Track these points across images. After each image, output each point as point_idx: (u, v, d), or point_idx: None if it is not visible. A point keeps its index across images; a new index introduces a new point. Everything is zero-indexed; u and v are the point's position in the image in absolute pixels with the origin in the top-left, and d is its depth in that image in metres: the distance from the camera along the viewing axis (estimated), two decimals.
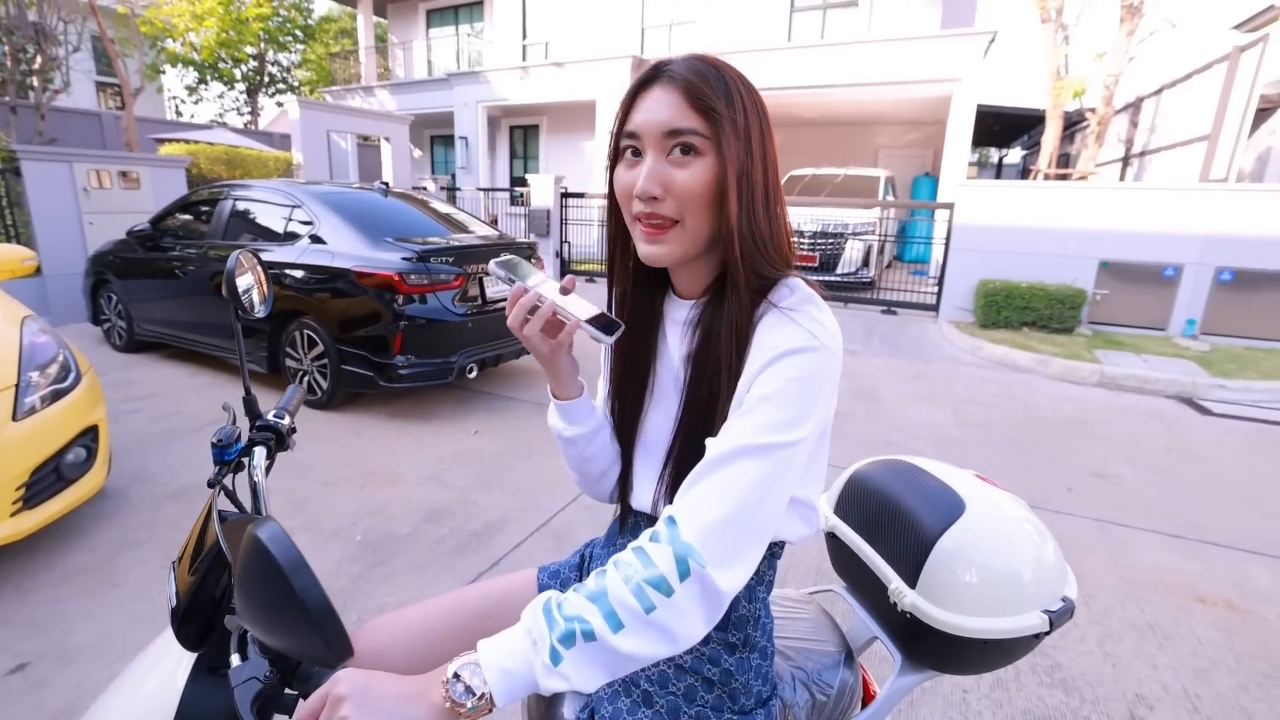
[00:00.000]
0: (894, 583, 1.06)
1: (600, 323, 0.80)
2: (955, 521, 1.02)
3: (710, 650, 0.88)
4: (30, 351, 2.60)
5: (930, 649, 1.05)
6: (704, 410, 0.80)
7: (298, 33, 22.62)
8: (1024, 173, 19.19)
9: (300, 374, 4.43)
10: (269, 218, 4.72)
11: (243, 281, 1.11)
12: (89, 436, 2.67)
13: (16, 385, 2.45)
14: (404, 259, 4.03)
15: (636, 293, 0.91)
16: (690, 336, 0.84)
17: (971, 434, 4.30)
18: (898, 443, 4.11)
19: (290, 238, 4.48)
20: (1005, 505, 1.08)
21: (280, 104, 22.58)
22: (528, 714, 1.08)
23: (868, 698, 1.12)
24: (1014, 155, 23.32)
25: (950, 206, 7.90)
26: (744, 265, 0.77)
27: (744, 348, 0.76)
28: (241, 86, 22.42)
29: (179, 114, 23.48)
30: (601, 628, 0.63)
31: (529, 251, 5.01)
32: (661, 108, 0.75)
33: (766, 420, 0.70)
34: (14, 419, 2.38)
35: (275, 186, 4.83)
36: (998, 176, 22.28)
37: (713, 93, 0.75)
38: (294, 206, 4.56)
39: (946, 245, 7.91)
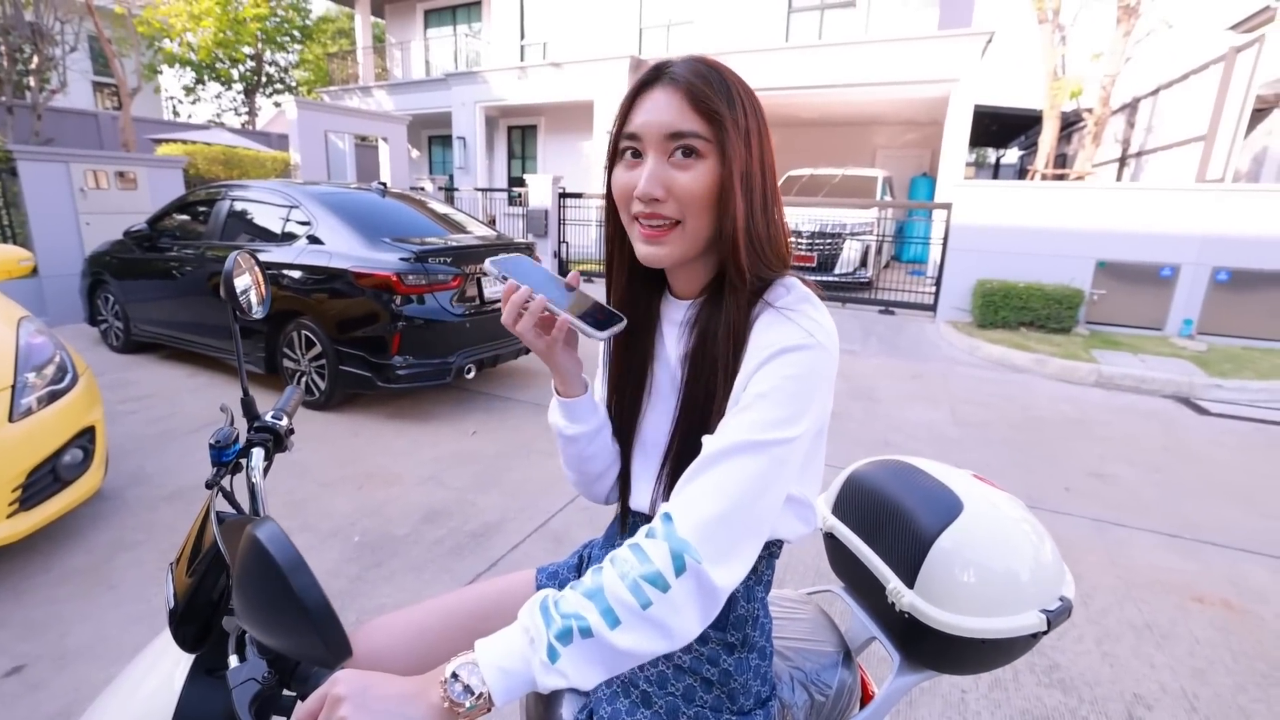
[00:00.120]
0: (892, 583, 1.06)
1: (595, 318, 0.79)
2: (953, 521, 1.02)
3: (709, 650, 0.88)
4: (27, 352, 2.59)
5: (928, 649, 1.05)
6: (701, 410, 0.80)
7: (295, 33, 22.59)
8: (1021, 173, 19.24)
9: (298, 375, 4.42)
10: (266, 218, 4.71)
11: (240, 282, 1.10)
12: (86, 438, 2.66)
13: (13, 386, 2.44)
14: (402, 259, 4.02)
15: (633, 293, 0.91)
16: (687, 336, 0.84)
17: (969, 434, 4.31)
18: (896, 443, 4.11)
19: (288, 238, 4.47)
20: (1003, 505, 1.08)
21: (278, 104, 22.53)
22: (526, 715, 1.08)
23: (866, 698, 1.12)
24: (1011, 155, 23.37)
25: (948, 207, 7.92)
26: (743, 266, 0.77)
27: (740, 348, 0.77)
28: (239, 87, 22.41)
29: (176, 114, 23.46)
30: (599, 624, 0.63)
31: (527, 252, 5.01)
32: (664, 109, 0.75)
33: (762, 417, 0.71)
34: (10, 420, 2.37)
35: (273, 187, 4.82)
36: (995, 177, 22.33)
37: (716, 96, 0.75)
38: (291, 207, 4.55)
39: (944, 245, 7.93)
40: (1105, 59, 10.08)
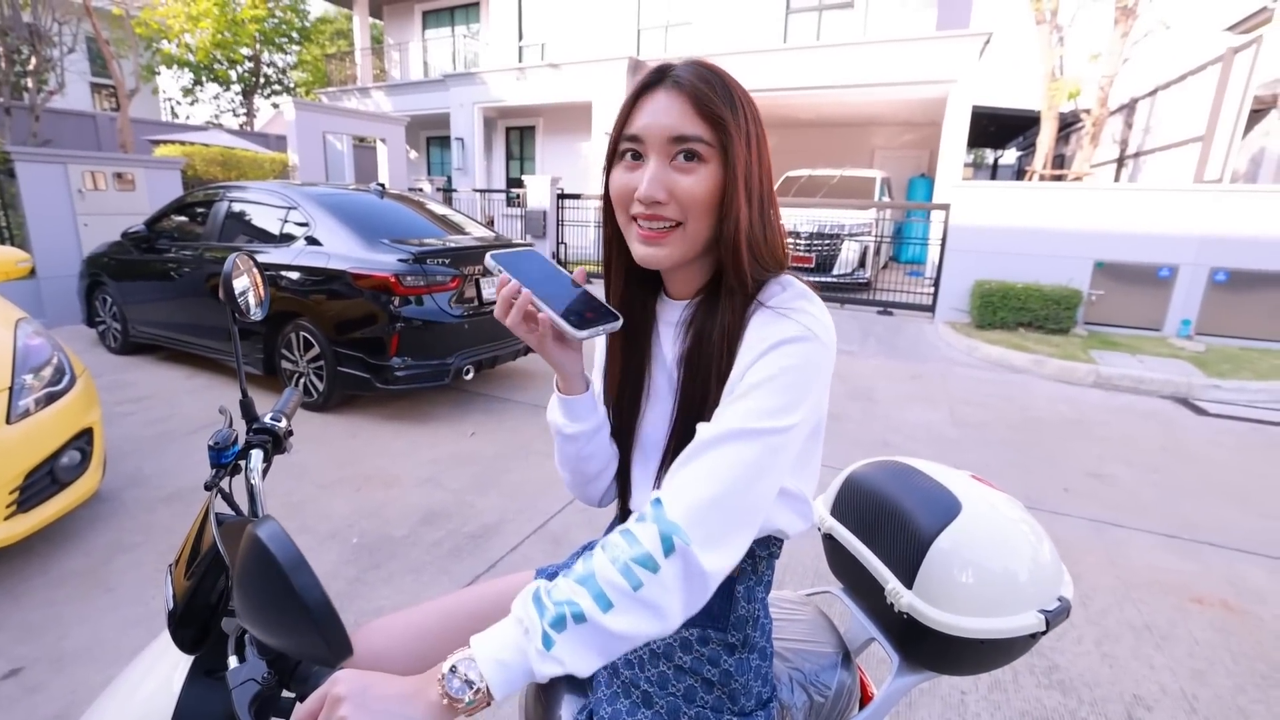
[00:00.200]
0: (891, 583, 1.06)
1: (582, 316, 0.79)
2: (951, 522, 1.02)
3: (710, 651, 0.88)
4: (24, 354, 2.59)
5: (927, 649, 1.05)
6: (698, 411, 0.80)
7: (293, 34, 22.57)
8: (1019, 174, 19.26)
9: (296, 376, 4.42)
10: (265, 219, 4.71)
11: (239, 284, 1.10)
12: (84, 439, 2.66)
13: (10, 388, 2.44)
14: (400, 260, 4.02)
15: (630, 294, 0.91)
16: (683, 337, 0.85)
17: (968, 435, 4.31)
18: (894, 443, 4.11)
19: (286, 239, 4.47)
20: (1001, 506, 1.08)
21: (276, 105, 22.51)
22: (525, 716, 1.08)
23: (865, 699, 1.12)
24: (1009, 156, 23.39)
25: (946, 207, 7.93)
26: (741, 268, 0.78)
27: (734, 349, 0.77)
28: (237, 88, 22.37)
29: (174, 115, 23.44)
30: (591, 609, 0.63)
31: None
32: (667, 113, 0.76)
33: (757, 406, 0.71)
34: (8, 422, 2.37)
35: (271, 188, 4.82)
36: (993, 177, 22.35)
37: (719, 100, 0.75)
38: (290, 208, 4.55)
39: (942, 246, 7.93)
40: (1103, 60, 10.10)
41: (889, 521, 1.11)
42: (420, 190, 11.52)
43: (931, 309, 8.07)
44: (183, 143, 10.71)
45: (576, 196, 10.34)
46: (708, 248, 0.81)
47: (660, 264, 0.80)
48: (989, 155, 24.25)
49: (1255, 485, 3.68)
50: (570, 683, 1.04)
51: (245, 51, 20.41)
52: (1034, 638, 0.99)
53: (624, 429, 0.94)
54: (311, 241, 4.29)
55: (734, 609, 0.88)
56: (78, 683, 1.97)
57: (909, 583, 1.04)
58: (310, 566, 0.64)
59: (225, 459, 1.01)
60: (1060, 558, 1.07)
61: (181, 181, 7.82)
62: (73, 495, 2.57)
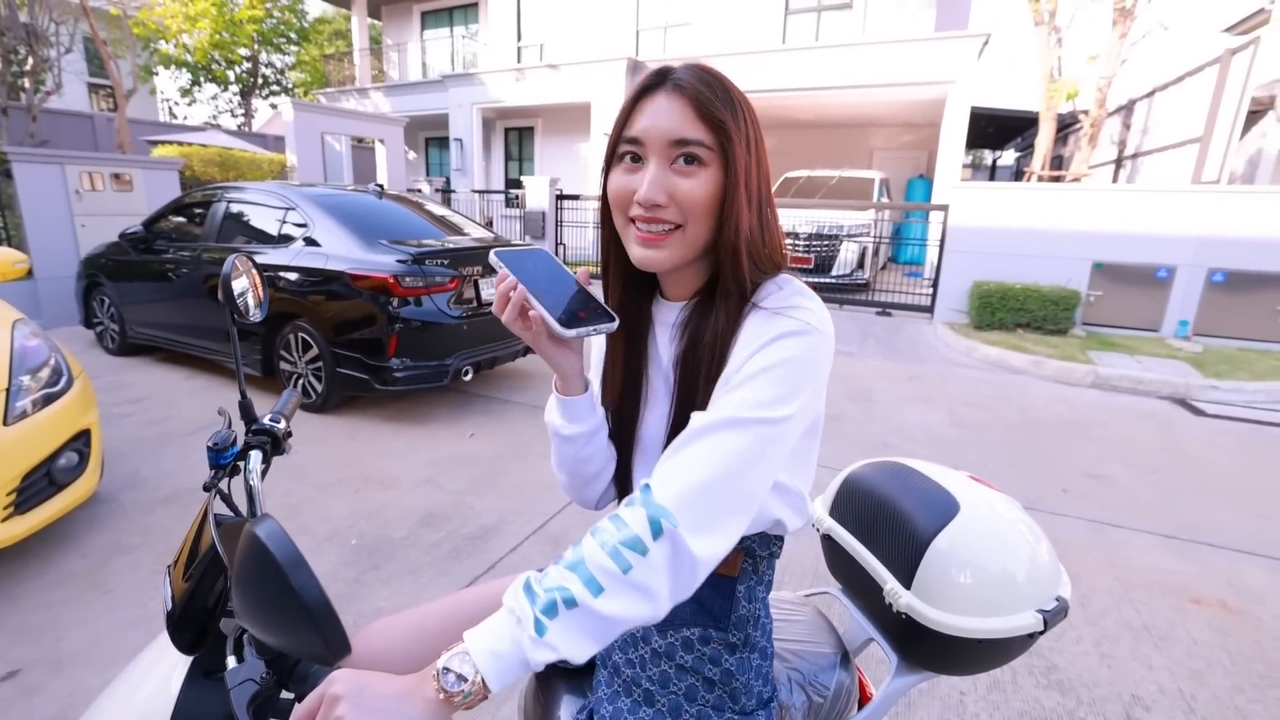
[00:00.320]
0: (889, 584, 1.06)
1: (575, 315, 0.78)
2: (949, 522, 1.03)
3: (711, 650, 0.88)
4: (21, 355, 2.58)
5: (926, 650, 1.05)
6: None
7: (292, 35, 22.57)
8: (1018, 175, 19.30)
9: (295, 377, 4.42)
10: (263, 220, 4.71)
11: (238, 285, 1.10)
12: (81, 441, 2.66)
13: (7, 389, 2.44)
14: (399, 261, 4.02)
15: (627, 296, 0.91)
16: (679, 339, 0.85)
17: (967, 435, 4.31)
18: (893, 444, 4.12)
19: (284, 240, 4.47)
20: (999, 506, 1.09)
21: (274, 106, 22.51)
22: (524, 717, 1.08)
23: (864, 699, 1.13)
24: (1008, 157, 23.44)
25: (945, 208, 7.94)
26: (738, 272, 0.78)
27: (724, 353, 0.77)
28: (235, 88, 22.36)
29: (172, 116, 23.44)
30: (582, 593, 0.63)
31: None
32: (668, 115, 0.76)
33: (752, 396, 0.71)
34: (5, 423, 2.37)
35: (269, 189, 4.82)
36: (991, 178, 22.39)
37: (721, 105, 0.75)
38: (288, 209, 4.55)
39: (941, 247, 7.94)
40: (1101, 61, 10.12)
41: (887, 522, 1.11)
42: (419, 191, 11.52)
43: (930, 310, 8.08)
44: (180, 143, 10.71)
45: (575, 197, 10.35)
46: (705, 250, 0.81)
47: (658, 266, 0.80)
48: (987, 156, 24.29)
49: (1253, 486, 3.69)
50: (569, 682, 1.05)
51: (243, 52, 20.42)
52: (1032, 638, 1.00)
53: (623, 431, 0.93)
54: (310, 242, 4.29)
55: (735, 608, 0.88)
56: (76, 684, 1.97)
57: (907, 583, 1.04)
58: (309, 565, 0.64)
59: (224, 460, 1.01)
60: (1058, 558, 1.08)
61: (179, 182, 7.82)
62: (70, 497, 2.57)
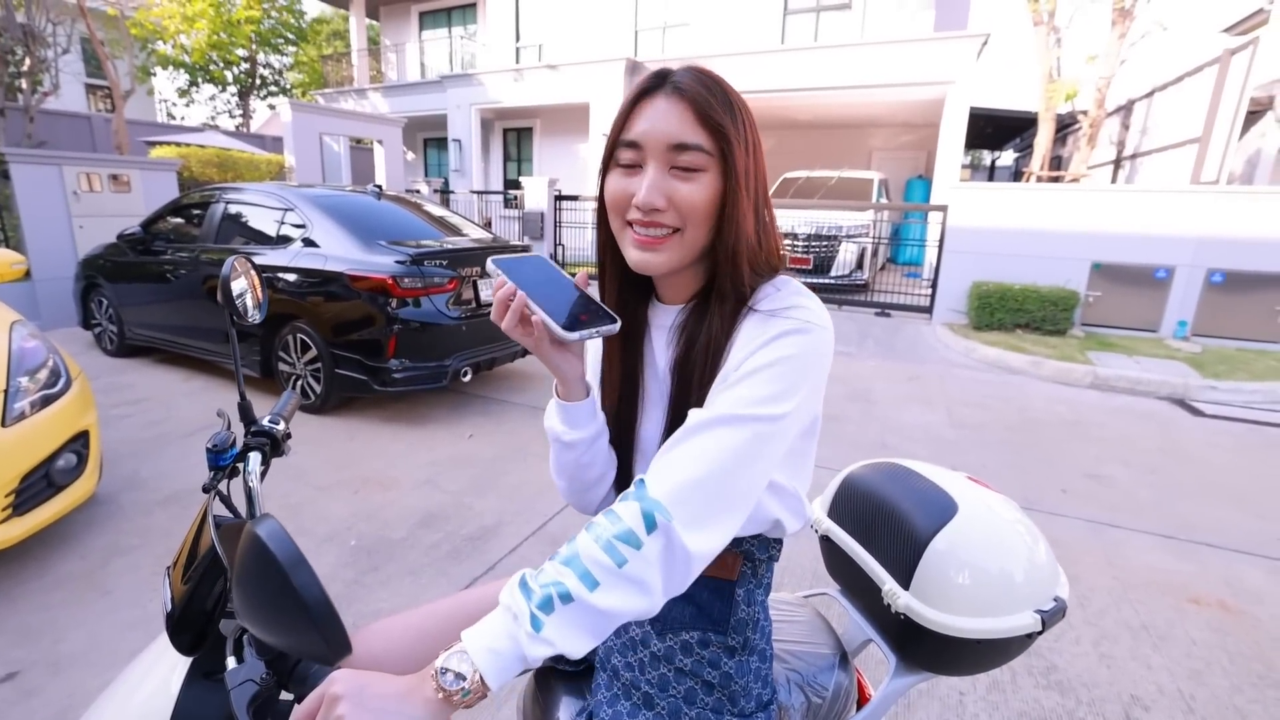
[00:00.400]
0: (888, 584, 1.06)
1: (576, 318, 0.78)
2: (948, 523, 1.03)
3: (710, 654, 0.89)
4: (19, 356, 2.58)
5: (924, 650, 1.05)
6: None
7: (290, 35, 22.55)
8: (1017, 175, 19.33)
9: (294, 378, 4.41)
10: (261, 221, 4.70)
11: (237, 286, 1.10)
12: (80, 442, 2.65)
13: (6, 390, 2.44)
14: (397, 262, 4.02)
15: (623, 299, 0.90)
16: (675, 343, 0.85)
17: (966, 436, 4.31)
18: (892, 445, 4.12)
19: (283, 241, 4.46)
20: (997, 507, 1.09)
21: (272, 107, 22.50)
22: (523, 718, 1.08)
23: (863, 700, 1.13)
24: (1007, 158, 23.46)
25: (944, 209, 7.94)
26: (732, 276, 0.78)
27: (718, 358, 0.77)
28: (233, 89, 22.34)
29: (170, 116, 23.40)
30: (577, 588, 0.63)
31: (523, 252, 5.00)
32: (667, 119, 0.75)
33: (749, 393, 0.71)
34: (3, 425, 2.36)
35: (267, 189, 4.81)
36: (990, 179, 22.41)
37: (720, 109, 0.75)
38: (286, 210, 4.54)
39: (940, 247, 7.95)
40: (1100, 61, 10.13)
41: (886, 523, 1.11)
42: (417, 192, 11.52)
43: (929, 310, 8.08)
44: (178, 144, 10.69)
45: (574, 198, 10.34)
46: (703, 254, 0.81)
47: (655, 270, 0.80)
48: (986, 157, 24.31)
49: (1252, 486, 3.69)
50: (569, 684, 1.05)
51: (241, 52, 20.40)
52: (1030, 638, 1.00)
53: (621, 435, 0.93)
54: (308, 243, 4.29)
55: (734, 612, 0.88)
56: (75, 686, 1.97)
57: (906, 584, 1.04)
58: (309, 564, 0.64)
59: (223, 462, 1.01)
60: (1057, 558, 1.08)
61: (177, 183, 7.80)
62: (69, 498, 2.56)
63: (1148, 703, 2.01)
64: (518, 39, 15.56)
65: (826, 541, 1.24)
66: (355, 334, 4.10)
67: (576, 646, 0.63)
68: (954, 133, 10.11)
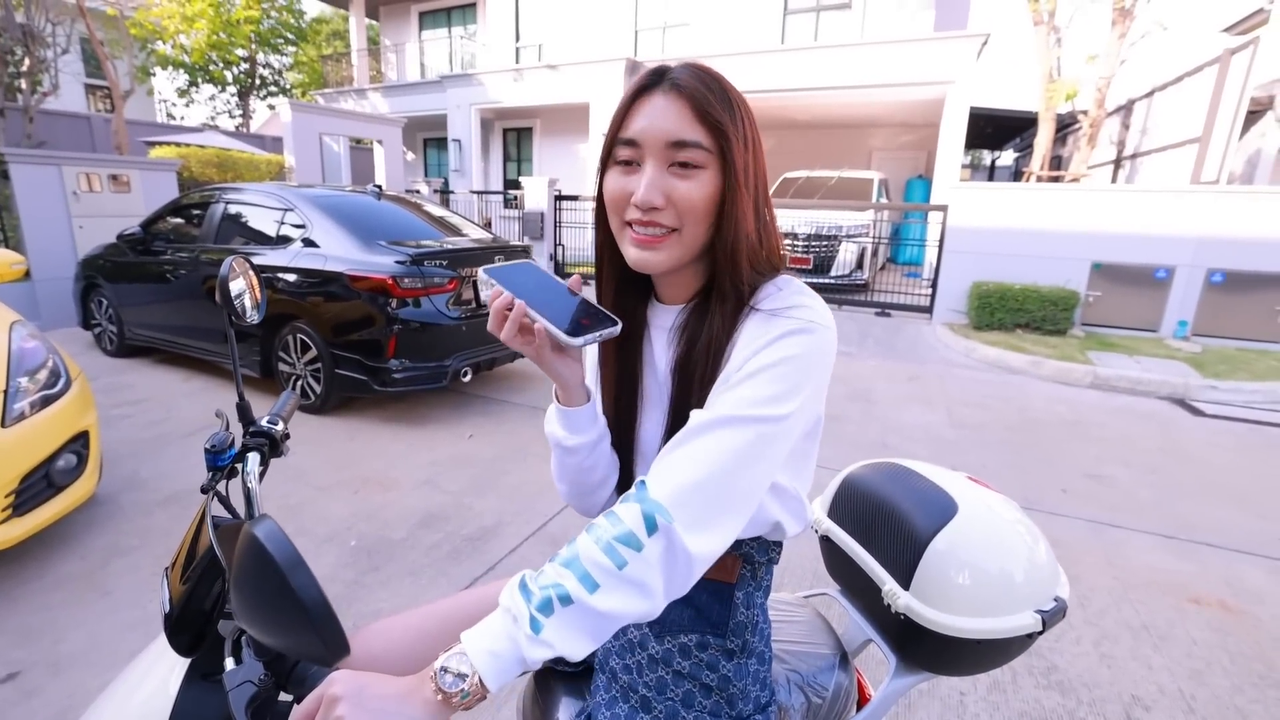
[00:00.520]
0: (888, 584, 1.06)
1: (578, 323, 0.77)
2: (948, 523, 1.03)
3: (708, 656, 0.88)
4: (19, 357, 2.58)
5: (925, 650, 1.05)
6: None
7: (289, 35, 22.55)
8: (1017, 175, 19.33)
9: (293, 378, 4.41)
10: (261, 221, 4.70)
11: (235, 287, 1.10)
12: (79, 442, 2.65)
13: (5, 391, 2.43)
14: (397, 262, 4.02)
15: (621, 300, 0.90)
16: (676, 343, 0.84)
17: (966, 436, 4.31)
18: (893, 445, 4.12)
19: (283, 241, 4.46)
20: (997, 507, 1.09)
21: (272, 107, 22.49)
22: (523, 719, 1.08)
23: (863, 700, 1.13)
24: (1007, 157, 23.46)
25: (944, 209, 7.94)
26: (732, 275, 0.78)
27: (719, 358, 0.77)
28: (233, 89, 22.34)
29: (170, 117, 23.42)
30: (577, 590, 0.63)
31: (523, 256, 5.01)
32: (666, 116, 0.74)
33: (752, 394, 0.70)
34: (3, 425, 2.36)
35: (267, 190, 4.81)
36: (990, 179, 22.41)
37: (719, 105, 0.74)
38: (286, 210, 4.54)
39: (940, 247, 7.94)
40: (1100, 61, 10.13)
41: (886, 523, 1.11)
42: (417, 192, 11.52)
43: (929, 310, 8.08)
44: (178, 144, 10.68)
45: (574, 198, 10.34)
46: (702, 253, 0.80)
47: (654, 269, 0.79)
48: (986, 156, 24.31)
49: (1252, 486, 3.69)
50: (568, 685, 1.05)
51: (241, 52, 20.40)
52: (1031, 638, 1.00)
53: (622, 437, 0.92)
54: (308, 243, 4.29)
55: (733, 615, 0.88)
56: (75, 686, 1.96)
57: (906, 584, 1.04)
58: (307, 565, 0.64)
59: (221, 462, 1.00)
60: (1057, 558, 1.08)
61: (177, 183, 7.81)
62: (69, 498, 2.56)
63: (1148, 703, 2.01)
64: (517, 39, 15.56)
65: (826, 541, 1.24)
66: (355, 334, 4.10)
67: (576, 649, 0.63)
68: (954, 132, 10.10)
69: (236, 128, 22.02)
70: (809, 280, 0.82)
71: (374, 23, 19.40)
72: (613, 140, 0.79)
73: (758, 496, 0.72)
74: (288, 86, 24.39)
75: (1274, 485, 3.71)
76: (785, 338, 0.72)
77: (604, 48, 13.46)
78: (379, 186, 5.05)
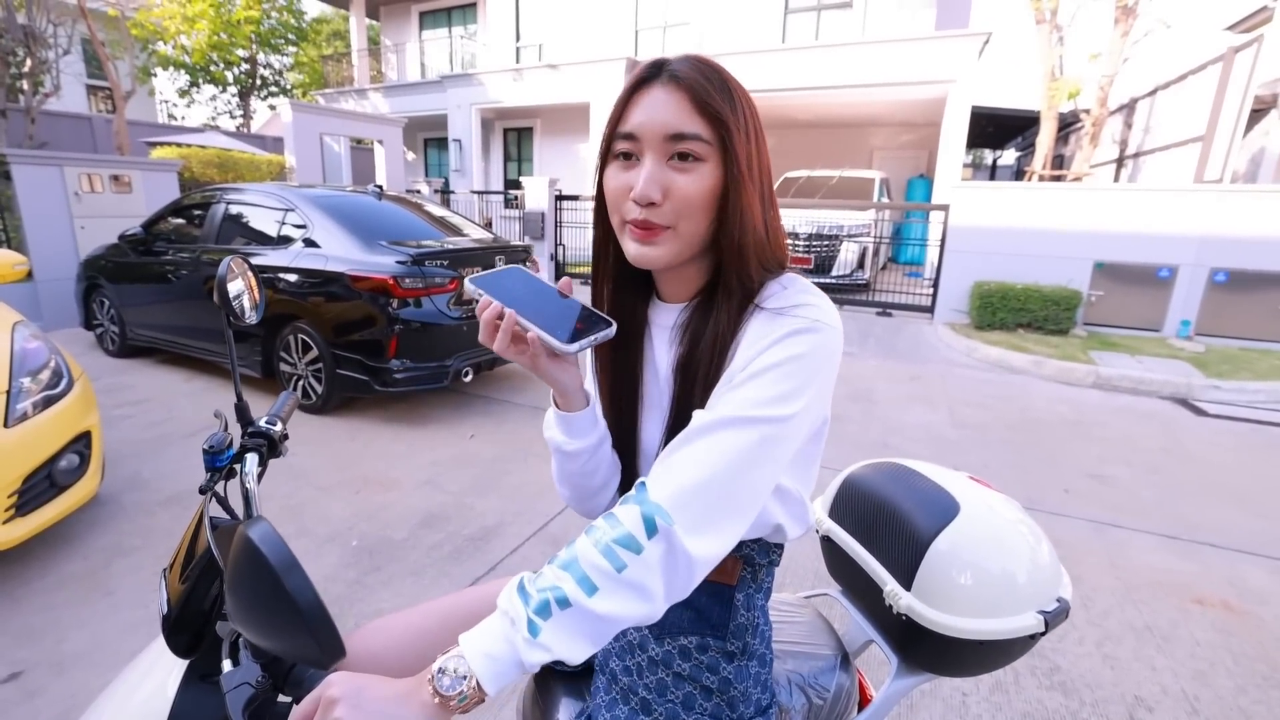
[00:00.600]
0: (889, 585, 1.06)
1: (574, 328, 0.76)
2: (950, 523, 1.02)
3: (709, 658, 0.87)
4: (22, 357, 2.58)
5: (926, 651, 1.05)
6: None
7: (290, 35, 22.56)
8: (1018, 174, 19.28)
9: (295, 379, 4.41)
10: (262, 221, 4.70)
11: (233, 287, 1.10)
12: (82, 443, 2.65)
13: (8, 391, 2.44)
14: (398, 262, 4.02)
15: (620, 299, 0.88)
16: (678, 342, 0.82)
17: (968, 436, 4.30)
18: (894, 445, 4.11)
19: (284, 241, 4.46)
20: (999, 507, 1.08)
21: (273, 107, 22.49)
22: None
23: (864, 701, 1.12)
24: (1008, 157, 23.41)
25: (945, 208, 7.93)
26: (739, 271, 0.76)
27: (723, 357, 0.75)
28: (233, 89, 22.34)
29: (171, 117, 23.44)
30: (576, 593, 0.62)
31: (524, 256, 5.00)
32: (664, 109, 0.73)
33: (756, 394, 0.69)
34: (6, 425, 2.36)
35: (268, 190, 4.82)
36: (992, 178, 22.37)
37: (719, 96, 0.73)
38: (287, 210, 4.54)
39: (941, 247, 7.93)
40: (1103, 59, 10.10)
41: (887, 523, 1.11)
42: (418, 192, 11.52)
43: (931, 310, 8.07)
44: (179, 145, 10.69)
45: (575, 198, 10.33)
46: (704, 249, 0.79)
47: (654, 264, 0.77)
48: (988, 156, 24.27)
49: (1255, 486, 3.68)
50: (568, 685, 1.04)
51: (241, 53, 20.39)
52: (1033, 639, 0.99)
53: (623, 438, 0.91)
54: (309, 243, 4.29)
55: (733, 617, 0.87)
56: (78, 686, 1.97)
57: (907, 584, 1.03)
58: (302, 567, 0.64)
59: (220, 463, 1.00)
60: (1060, 559, 1.07)
61: (178, 184, 7.81)
62: (71, 499, 2.57)
63: (1152, 704, 2.01)
64: (518, 39, 15.55)
65: (827, 542, 1.24)
66: (356, 334, 4.10)
67: (574, 653, 0.62)
68: (955, 132, 10.09)
69: (237, 128, 22.04)
70: (810, 280, 0.80)
71: (374, 23, 19.40)
72: (611, 134, 0.78)
73: (761, 499, 0.71)
74: (288, 87, 24.39)
75: (1277, 485, 3.70)
76: (791, 337, 0.71)
77: (604, 47, 13.46)
78: (380, 186, 5.05)
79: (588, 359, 0.94)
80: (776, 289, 0.76)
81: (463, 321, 4.24)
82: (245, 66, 21.54)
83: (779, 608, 1.19)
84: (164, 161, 8.08)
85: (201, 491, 0.97)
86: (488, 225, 11.81)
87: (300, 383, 4.39)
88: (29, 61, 9.70)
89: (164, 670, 0.89)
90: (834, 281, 8.94)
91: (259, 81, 22.71)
